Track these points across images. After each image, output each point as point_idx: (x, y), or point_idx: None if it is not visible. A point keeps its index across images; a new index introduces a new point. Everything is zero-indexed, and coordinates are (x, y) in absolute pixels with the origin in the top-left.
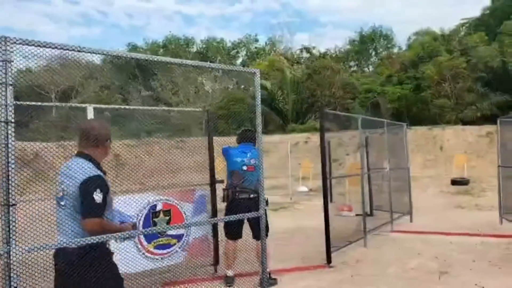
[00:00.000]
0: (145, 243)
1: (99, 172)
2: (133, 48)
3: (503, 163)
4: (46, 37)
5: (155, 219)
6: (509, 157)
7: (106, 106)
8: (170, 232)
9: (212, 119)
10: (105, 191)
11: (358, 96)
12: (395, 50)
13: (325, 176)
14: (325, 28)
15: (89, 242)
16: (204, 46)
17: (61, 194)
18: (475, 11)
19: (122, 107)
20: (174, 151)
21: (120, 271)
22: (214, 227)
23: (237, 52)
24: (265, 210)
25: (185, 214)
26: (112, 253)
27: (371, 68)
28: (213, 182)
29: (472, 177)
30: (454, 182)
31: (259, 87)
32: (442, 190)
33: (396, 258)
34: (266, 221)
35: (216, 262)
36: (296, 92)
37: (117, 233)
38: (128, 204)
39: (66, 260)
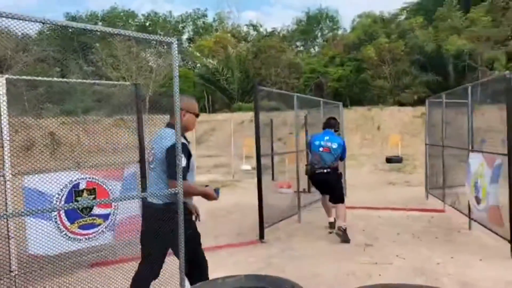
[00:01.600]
0: (67, 223)
1: (182, 140)
2: (72, 19)
3: (430, 142)
4: None
5: (78, 198)
6: (435, 136)
7: (18, 77)
8: (95, 212)
9: (142, 94)
10: (188, 156)
11: (303, 76)
12: (340, 32)
13: (259, 154)
14: (273, 8)
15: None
16: (146, 20)
17: (151, 158)
18: None
19: (38, 78)
20: (113, 129)
21: (39, 253)
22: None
23: (184, 28)
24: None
25: (111, 192)
26: (191, 212)
27: (317, 49)
28: (142, 159)
29: (406, 156)
30: (388, 160)
31: (177, 59)
32: (376, 168)
33: (326, 232)
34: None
35: None
36: (242, 70)
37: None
38: (48, 183)
39: (152, 213)
